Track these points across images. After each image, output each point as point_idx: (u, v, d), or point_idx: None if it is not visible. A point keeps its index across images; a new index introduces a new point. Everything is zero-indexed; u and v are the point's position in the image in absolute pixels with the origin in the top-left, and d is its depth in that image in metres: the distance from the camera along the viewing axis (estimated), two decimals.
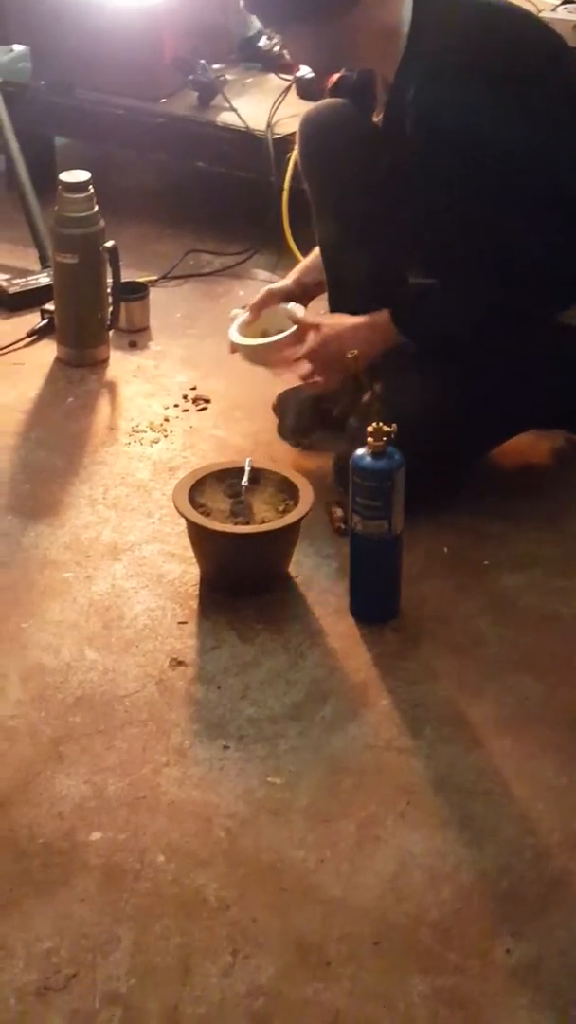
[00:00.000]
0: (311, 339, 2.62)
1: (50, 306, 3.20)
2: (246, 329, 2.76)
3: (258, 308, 2.77)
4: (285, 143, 3.35)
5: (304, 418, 2.83)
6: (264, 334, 2.74)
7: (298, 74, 3.41)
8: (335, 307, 2.80)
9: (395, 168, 2.52)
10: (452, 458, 2.61)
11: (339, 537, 2.56)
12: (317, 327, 2.63)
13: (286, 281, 2.84)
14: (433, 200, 2.47)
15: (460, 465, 2.65)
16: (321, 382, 2.65)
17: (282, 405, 2.87)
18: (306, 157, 2.82)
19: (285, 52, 2.41)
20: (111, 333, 3.16)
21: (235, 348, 2.77)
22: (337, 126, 2.74)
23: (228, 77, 3.66)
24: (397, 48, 2.44)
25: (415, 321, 2.57)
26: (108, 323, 3.14)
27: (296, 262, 3.29)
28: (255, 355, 2.75)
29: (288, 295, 2.79)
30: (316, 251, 2.84)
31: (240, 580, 2.46)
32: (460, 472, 2.65)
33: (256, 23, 3.79)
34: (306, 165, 2.83)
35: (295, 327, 2.67)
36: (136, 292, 3.24)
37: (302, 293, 2.82)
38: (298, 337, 2.65)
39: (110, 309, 3.14)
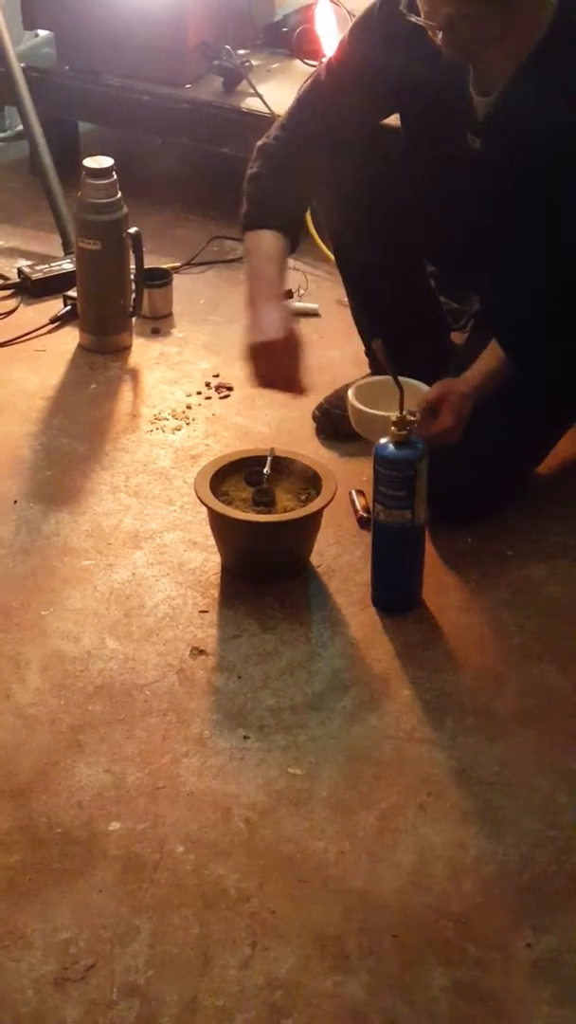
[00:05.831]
0: (447, 415, 2.40)
1: (73, 292, 3.18)
2: (361, 396, 2.52)
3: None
4: None
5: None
6: (374, 403, 2.48)
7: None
8: (367, 329, 2.76)
9: (493, 170, 2.46)
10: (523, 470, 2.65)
11: (361, 527, 2.55)
12: (443, 398, 2.42)
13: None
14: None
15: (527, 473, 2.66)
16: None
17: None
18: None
19: (439, 32, 2.26)
20: (134, 320, 3.15)
21: (358, 417, 2.51)
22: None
23: (253, 63, 3.64)
24: (523, 50, 2.36)
25: (526, 337, 2.46)
26: (131, 310, 3.12)
27: (317, 248, 3.29)
28: (382, 428, 2.40)
29: None
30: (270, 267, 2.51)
31: (261, 569, 2.45)
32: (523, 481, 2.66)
33: (282, 8, 3.79)
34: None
35: (420, 402, 2.41)
36: (159, 278, 3.23)
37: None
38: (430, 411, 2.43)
39: (133, 296, 3.12)
